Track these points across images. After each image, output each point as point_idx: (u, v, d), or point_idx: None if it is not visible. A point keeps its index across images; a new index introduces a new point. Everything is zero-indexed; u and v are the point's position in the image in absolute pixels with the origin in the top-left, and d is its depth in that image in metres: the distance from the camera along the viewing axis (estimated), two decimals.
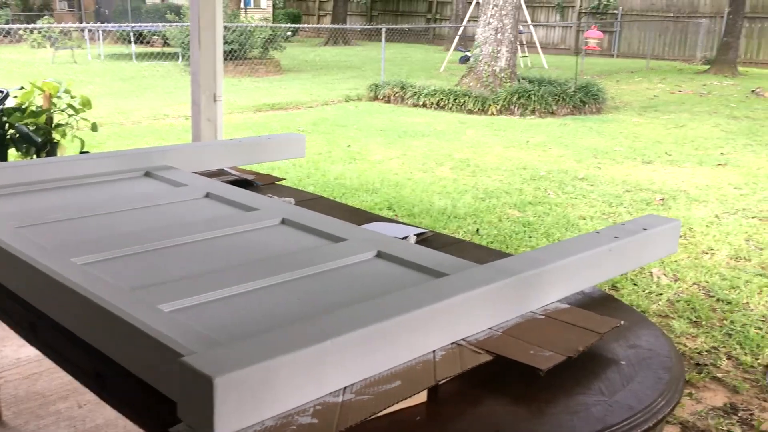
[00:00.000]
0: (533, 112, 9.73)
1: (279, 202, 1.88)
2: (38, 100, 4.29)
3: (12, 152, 4.26)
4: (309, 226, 1.64)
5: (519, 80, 10.89)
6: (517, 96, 9.88)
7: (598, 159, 7.00)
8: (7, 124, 4.07)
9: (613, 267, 1.50)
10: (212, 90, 3.48)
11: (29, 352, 2.58)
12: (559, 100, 9.92)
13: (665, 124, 9.24)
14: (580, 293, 1.45)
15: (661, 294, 3.62)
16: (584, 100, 10.05)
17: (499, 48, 10.86)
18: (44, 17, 19.06)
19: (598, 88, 10.45)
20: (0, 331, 2.13)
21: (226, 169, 2.40)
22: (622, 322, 1.28)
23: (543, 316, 1.30)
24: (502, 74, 10.80)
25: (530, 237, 4.44)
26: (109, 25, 17.13)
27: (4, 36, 16.74)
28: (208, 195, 1.91)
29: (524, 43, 16.60)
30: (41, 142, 4.09)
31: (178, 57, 15.23)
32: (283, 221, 1.69)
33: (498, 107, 9.80)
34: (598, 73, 14.77)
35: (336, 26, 21.24)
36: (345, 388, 1.02)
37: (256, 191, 2.20)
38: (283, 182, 2.45)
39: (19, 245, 1.37)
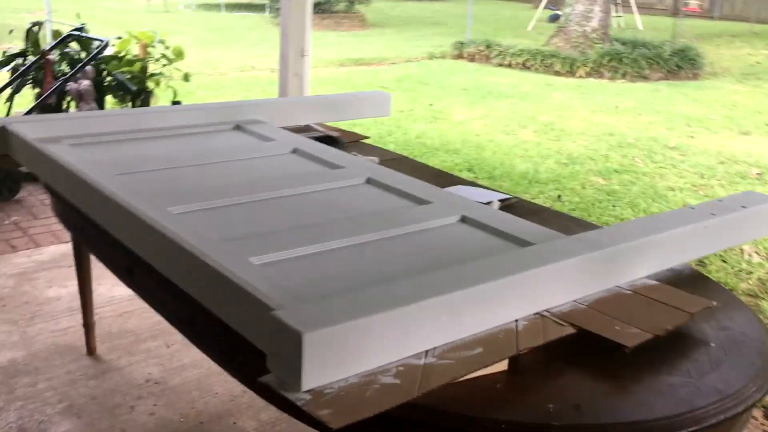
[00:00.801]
0: (624, 75, 9.36)
1: (364, 160, 1.89)
2: (134, 49, 4.44)
3: (108, 99, 4.44)
4: (394, 186, 1.64)
5: (611, 42, 10.47)
6: (608, 58, 9.51)
7: (692, 128, 6.70)
8: (105, 72, 4.23)
9: (708, 245, 1.45)
10: (300, 45, 3.51)
11: (122, 291, 2.73)
12: (652, 63, 9.49)
13: (767, 94, 8.73)
14: (669, 270, 1.41)
15: (751, 272, 3.47)
16: (680, 64, 9.58)
17: (591, 7, 10.45)
18: None
19: (695, 52, 9.93)
20: (95, 270, 2.25)
21: (312, 125, 2.43)
22: (715, 303, 1.24)
23: (630, 292, 1.27)
24: (594, 35, 10.41)
25: (614, 206, 4.32)
26: None
27: None
28: (295, 151, 1.94)
29: (618, 2, 15.89)
30: (136, 90, 4.24)
31: (264, 9, 15.36)
32: (368, 180, 1.70)
33: (587, 69, 9.47)
34: (696, 36, 14.01)
35: None
36: (427, 351, 1.03)
37: (341, 149, 2.22)
38: (366, 140, 2.46)
39: (120, 192, 1.43)
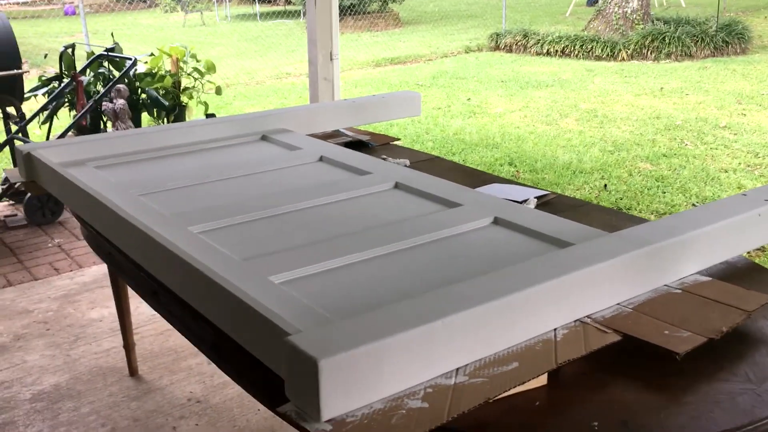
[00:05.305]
0: (668, 55, 9.06)
1: (392, 164, 1.82)
2: (167, 65, 4.46)
3: (144, 116, 4.47)
4: (422, 190, 1.57)
5: (653, 21, 10.16)
6: (650, 39, 9.22)
7: (743, 105, 6.43)
8: (139, 89, 4.26)
9: (764, 234, 1.34)
10: (328, 49, 3.46)
11: None
12: (698, 41, 9.16)
13: None
14: (723, 263, 1.30)
15: None
16: (727, 40, 9.23)
17: None
18: None
19: (743, 26, 9.55)
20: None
21: (341, 130, 2.37)
22: None
23: (680, 291, 1.18)
24: (634, 15, 10.12)
25: (664, 192, 4.16)
26: None
27: (142, 1, 17.61)
28: (321, 158, 1.88)
29: None
30: (170, 105, 4.26)
31: (300, 15, 15.43)
32: (396, 185, 1.64)
33: (629, 52, 9.21)
34: (743, 9, 13.53)
35: None
36: (458, 369, 0.96)
37: (371, 153, 2.16)
38: (398, 142, 2.39)
39: (139, 214, 1.39)
